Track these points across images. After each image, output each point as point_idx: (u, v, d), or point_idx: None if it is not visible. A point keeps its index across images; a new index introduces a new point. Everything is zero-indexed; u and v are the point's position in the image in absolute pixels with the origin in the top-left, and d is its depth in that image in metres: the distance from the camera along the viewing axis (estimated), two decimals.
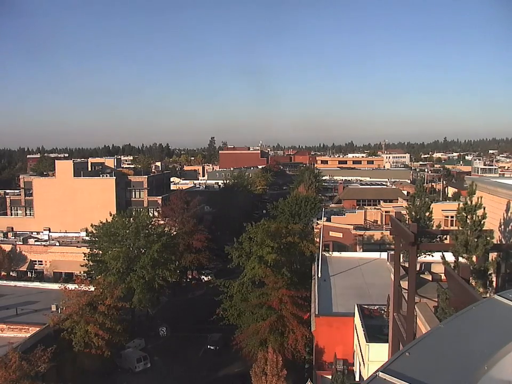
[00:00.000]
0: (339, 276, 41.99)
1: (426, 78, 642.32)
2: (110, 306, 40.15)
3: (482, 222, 13.84)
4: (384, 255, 44.37)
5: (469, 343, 5.65)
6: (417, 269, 16.28)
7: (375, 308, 29.99)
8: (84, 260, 51.33)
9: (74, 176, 79.28)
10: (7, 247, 67.75)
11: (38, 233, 74.85)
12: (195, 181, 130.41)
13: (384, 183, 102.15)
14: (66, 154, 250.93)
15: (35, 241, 71.13)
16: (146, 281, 49.01)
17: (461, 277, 11.97)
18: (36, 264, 68.13)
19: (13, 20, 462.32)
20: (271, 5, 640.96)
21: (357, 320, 28.15)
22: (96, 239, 52.15)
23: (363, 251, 52.52)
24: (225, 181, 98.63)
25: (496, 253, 15.28)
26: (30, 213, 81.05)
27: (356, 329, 28.66)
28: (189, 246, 63.25)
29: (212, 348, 47.35)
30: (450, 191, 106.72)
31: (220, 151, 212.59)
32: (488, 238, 13.62)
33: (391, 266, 19.39)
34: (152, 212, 72.63)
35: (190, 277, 70.10)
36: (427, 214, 22.17)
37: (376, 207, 68.30)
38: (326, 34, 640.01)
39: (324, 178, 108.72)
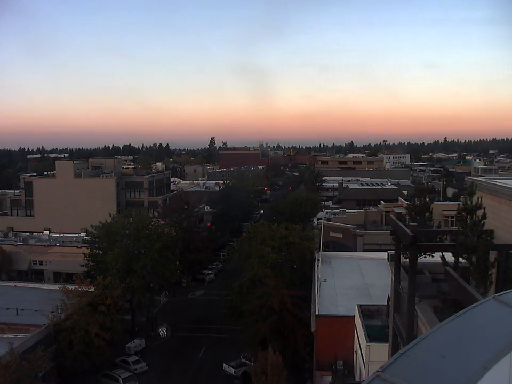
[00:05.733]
0: (339, 276, 41.94)
1: (426, 77, 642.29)
2: (110, 306, 40.13)
3: (482, 222, 13.82)
4: (384, 255, 44.29)
5: (469, 343, 5.65)
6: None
7: (376, 307, 29.94)
8: (84, 260, 51.36)
9: (74, 176, 79.37)
10: (7, 247, 67.78)
11: (38, 233, 74.83)
12: (195, 181, 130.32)
13: (384, 184, 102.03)
14: (66, 155, 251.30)
15: (35, 241, 71.12)
16: (146, 281, 49.02)
17: (461, 277, 11.97)
18: (36, 264, 68.18)
19: (12, 19, 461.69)
20: (271, 3, 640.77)
21: (357, 320, 28.11)
22: (96, 239, 52.16)
23: (363, 251, 52.49)
24: (225, 181, 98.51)
25: (496, 253, 15.26)
26: (30, 213, 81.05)
27: (356, 329, 28.63)
28: (189, 246, 63.23)
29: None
30: (450, 191, 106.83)
31: (220, 151, 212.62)
32: (488, 238, 13.60)
33: (391, 266, 19.35)
34: (152, 212, 72.58)
35: (190, 277, 70.04)
36: (427, 214, 22.14)
37: (376, 207, 68.26)
38: (326, 33, 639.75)
39: (324, 178, 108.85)
